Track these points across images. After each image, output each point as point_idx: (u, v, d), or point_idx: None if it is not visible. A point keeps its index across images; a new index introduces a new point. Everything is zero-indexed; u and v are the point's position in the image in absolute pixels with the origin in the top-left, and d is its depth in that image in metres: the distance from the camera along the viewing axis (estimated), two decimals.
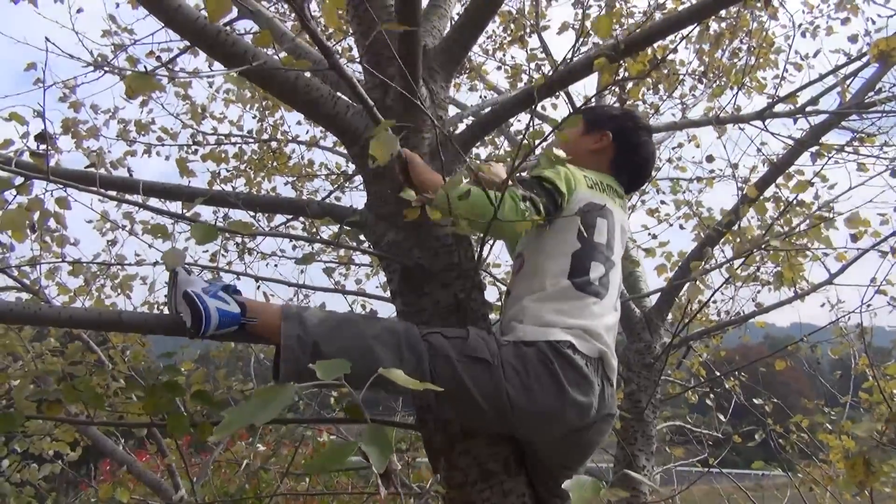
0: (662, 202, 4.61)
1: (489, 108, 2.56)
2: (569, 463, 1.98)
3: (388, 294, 2.33)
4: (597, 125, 2.20)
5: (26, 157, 1.98)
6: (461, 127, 2.49)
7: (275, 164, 4.99)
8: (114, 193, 2.06)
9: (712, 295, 3.02)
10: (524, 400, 1.71)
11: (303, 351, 1.71)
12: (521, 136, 1.61)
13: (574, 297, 1.86)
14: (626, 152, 2.19)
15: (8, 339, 2.55)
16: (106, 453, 3.34)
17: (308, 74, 1.96)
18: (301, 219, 4.50)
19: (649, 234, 4.39)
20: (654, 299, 3.55)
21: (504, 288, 3.54)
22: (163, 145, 4.70)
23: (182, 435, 1.82)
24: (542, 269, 1.90)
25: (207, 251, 4.66)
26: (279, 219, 4.55)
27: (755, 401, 4.16)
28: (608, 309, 1.92)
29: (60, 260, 2.98)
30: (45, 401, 1.82)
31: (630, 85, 3.17)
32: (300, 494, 4.07)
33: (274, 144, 5.13)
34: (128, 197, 1.86)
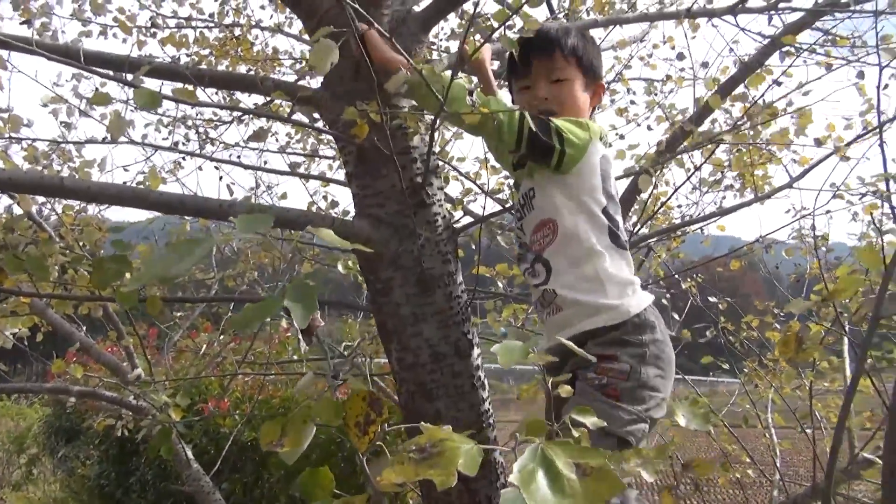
0: (632, 102, 4.52)
1: None
2: None
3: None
4: (595, 76, 2.07)
5: None
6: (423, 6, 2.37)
7: (239, 51, 4.80)
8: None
9: (673, 193, 3.02)
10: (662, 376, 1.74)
11: None
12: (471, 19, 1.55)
13: (617, 254, 1.84)
14: None
15: None
16: (65, 336, 3.34)
17: None
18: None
19: (617, 134, 4.33)
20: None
21: (468, 182, 3.52)
22: (118, 27, 4.46)
23: (130, 305, 1.81)
24: (583, 231, 1.83)
25: (167, 138, 4.52)
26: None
27: (710, 299, 4.25)
28: None
29: (9, 137, 2.88)
30: None
31: None
32: (255, 374, 4.15)
33: (237, 31, 4.92)
34: (69, 61, 1.78)
